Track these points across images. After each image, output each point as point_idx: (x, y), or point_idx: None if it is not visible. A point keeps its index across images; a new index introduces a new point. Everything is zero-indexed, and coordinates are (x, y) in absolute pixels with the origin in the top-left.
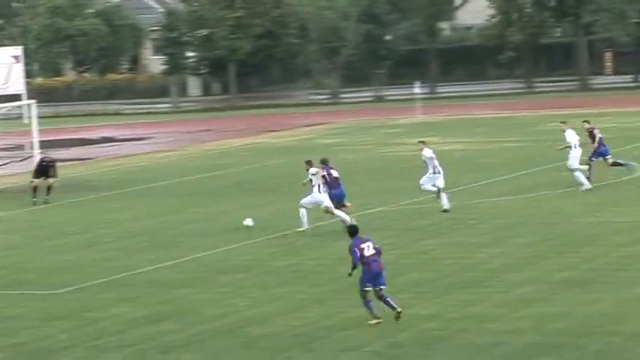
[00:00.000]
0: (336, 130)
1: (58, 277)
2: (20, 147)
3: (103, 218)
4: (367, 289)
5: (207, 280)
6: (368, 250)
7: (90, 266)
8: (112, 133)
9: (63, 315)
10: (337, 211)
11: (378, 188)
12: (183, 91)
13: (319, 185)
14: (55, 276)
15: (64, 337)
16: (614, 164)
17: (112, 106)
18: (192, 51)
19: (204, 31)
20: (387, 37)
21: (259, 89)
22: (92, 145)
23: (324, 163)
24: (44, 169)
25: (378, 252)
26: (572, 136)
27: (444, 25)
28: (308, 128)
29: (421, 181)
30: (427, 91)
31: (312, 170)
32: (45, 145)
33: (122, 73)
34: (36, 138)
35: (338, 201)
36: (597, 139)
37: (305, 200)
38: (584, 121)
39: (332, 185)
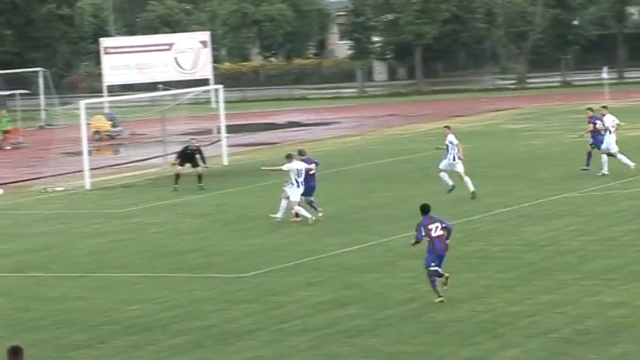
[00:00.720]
0: (523, 116)
1: (245, 261)
2: (208, 131)
3: None
4: (433, 267)
5: (392, 264)
6: (435, 230)
7: (276, 250)
8: (299, 117)
9: (249, 298)
10: (300, 209)
11: (564, 174)
12: (369, 75)
13: (297, 180)
14: (241, 259)
15: (249, 320)
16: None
17: (298, 90)
18: (378, 36)
19: (390, 16)
20: (575, 22)
21: (445, 74)
22: (279, 130)
23: (301, 154)
24: (189, 157)
25: (448, 232)
26: (609, 121)
27: (632, 10)
28: (494, 113)
29: (440, 166)
30: (615, 76)
31: (290, 165)
32: (232, 129)
33: (308, 58)
34: (223, 122)
35: (309, 193)
36: (593, 127)
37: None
38: (588, 109)
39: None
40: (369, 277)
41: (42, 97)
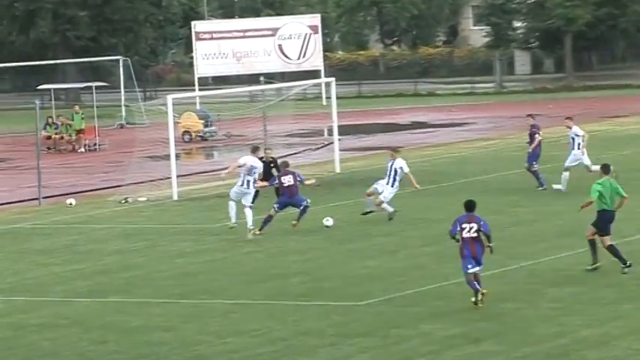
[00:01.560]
0: None
1: (360, 287)
2: (317, 132)
3: (412, 218)
4: (468, 272)
5: (536, 293)
6: (469, 231)
7: (396, 274)
8: (425, 117)
9: (364, 331)
10: (249, 213)
11: None
12: (509, 68)
13: (246, 180)
14: (355, 285)
15: (364, 357)
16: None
17: (425, 85)
18: (521, 21)
19: None
20: None
21: (600, 67)
22: (401, 132)
23: (284, 166)
24: (264, 169)
25: (486, 236)
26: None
27: None
28: None
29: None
30: None
31: (245, 159)
32: (345, 130)
33: (437, 47)
34: (335, 122)
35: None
36: (537, 141)
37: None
38: (529, 115)
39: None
40: (507, 307)
41: (122, 90)
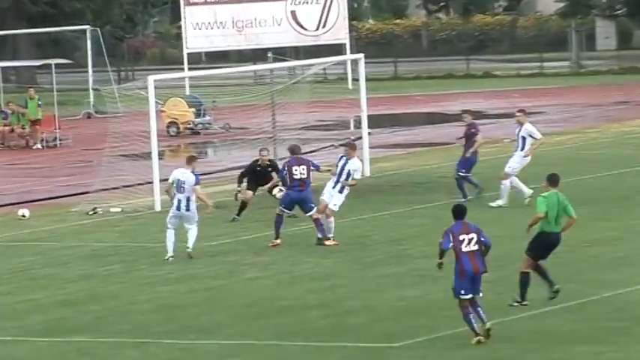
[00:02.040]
0: None
1: (396, 323)
2: (342, 124)
3: None
4: (463, 297)
5: (624, 332)
6: (468, 244)
7: (443, 307)
8: (480, 104)
9: None
10: (191, 236)
11: None
12: (588, 41)
13: (177, 199)
14: (391, 321)
15: None
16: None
17: (480, 63)
18: None
19: None
20: None
21: None
22: (448, 123)
23: (292, 152)
24: (260, 176)
25: (480, 250)
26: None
27: None
28: None
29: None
30: None
31: (173, 175)
32: (378, 121)
33: (496, 15)
34: (364, 111)
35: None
36: (477, 144)
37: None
38: (465, 112)
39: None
40: (584, 350)
41: (90, 69)
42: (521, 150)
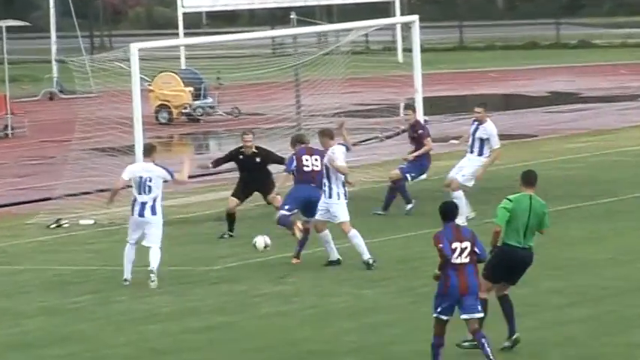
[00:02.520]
0: None
1: None
2: (389, 109)
3: (549, 256)
4: (440, 316)
5: None
6: (460, 254)
7: (526, 353)
8: (573, 84)
9: None
10: (153, 257)
11: None
12: None
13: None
14: None
15: None
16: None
17: (573, 29)
18: None
19: None
20: None
21: None
22: (532, 109)
23: (300, 142)
24: (246, 169)
25: (474, 263)
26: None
27: None
28: None
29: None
30: None
31: (128, 169)
32: (437, 105)
33: None
34: (420, 92)
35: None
36: (425, 149)
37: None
38: (407, 107)
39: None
40: None
41: (53, 35)
42: (478, 155)
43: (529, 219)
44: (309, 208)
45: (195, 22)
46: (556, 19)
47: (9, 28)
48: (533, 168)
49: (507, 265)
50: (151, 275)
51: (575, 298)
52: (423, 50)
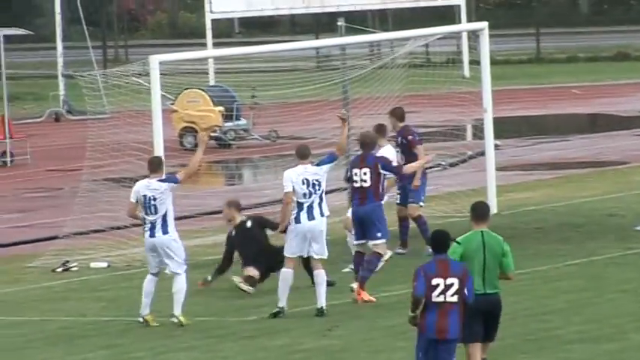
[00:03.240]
0: None
1: None
2: (454, 131)
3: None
4: None
5: None
6: (443, 292)
7: None
8: None
9: None
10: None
11: None
12: None
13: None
14: None
15: None
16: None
17: None
18: None
19: None
20: None
21: None
22: (622, 131)
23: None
24: (247, 247)
25: (458, 306)
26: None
27: None
28: None
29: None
30: None
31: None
32: (510, 127)
33: None
34: (489, 111)
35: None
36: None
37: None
38: (393, 111)
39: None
40: None
41: (59, 45)
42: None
43: (485, 259)
44: (362, 227)
45: (227, 31)
46: None
47: (8, 38)
48: (622, 200)
49: (471, 314)
50: (173, 320)
51: None
52: (493, 62)
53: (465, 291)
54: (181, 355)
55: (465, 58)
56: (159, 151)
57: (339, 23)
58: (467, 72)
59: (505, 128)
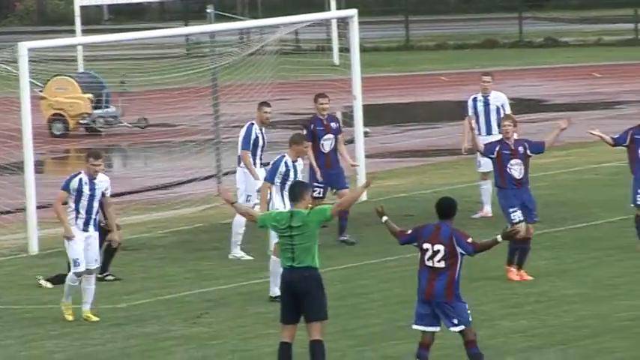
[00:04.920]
0: None
1: None
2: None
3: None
4: (416, 327)
5: None
6: (431, 258)
7: None
8: (540, 89)
9: None
10: None
11: None
12: None
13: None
14: None
15: None
16: None
17: (539, 25)
18: None
19: None
20: None
21: None
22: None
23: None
24: None
25: (447, 271)
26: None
27: None
28: None
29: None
30: None
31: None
32: (379, 116)
33: None
34: (359, 98)
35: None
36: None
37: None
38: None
39: None
40: None
41: None
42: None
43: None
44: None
45: (96, 18)
46: (518, 14)
47: None
48: (491, 187)
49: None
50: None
51: (542, 341)
52: (363, 50)
53: (460, 249)
54: (51, 343)
55: (335, 45)
56: (27, 138)
57: (208, 10)
58: (336, 59)
59: (374, 115)
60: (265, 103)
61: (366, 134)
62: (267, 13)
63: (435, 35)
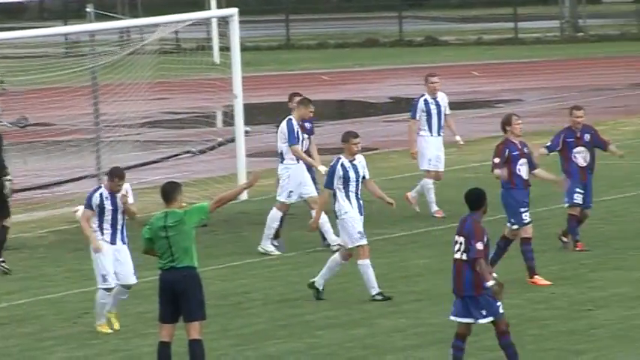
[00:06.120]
0: None
1: None
2: (205, 119)
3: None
4: (452, 318)
5: None
6: (458, 250)
7: None
8: (417, 88)
9: None
10: None
11: None
12: None
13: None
14: None
15: None
16: None
17: (419, 24)
18: None
19: None
20: None
21: None
22: (371, 117)
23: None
24: None
25: (468, 263)
26: None
27: None
28: None
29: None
30: None
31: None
32: (257, 114)
33: None
34: (239, 97)
35: None
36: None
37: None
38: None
39: None
40: None
41: None
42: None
43: (168, 236)
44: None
45: None
46: (399, 13)
47: None
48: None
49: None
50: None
51: (422, 339)
52: (244, 49)
53: (469, 246)
54: None
55: (215, 44)
56: None
57: (88, 9)
58: (217, 58)
59: (255, 114)
60: (308, 100)
61: (246, 133)
62: (148, 13)
63: (315, 34)
